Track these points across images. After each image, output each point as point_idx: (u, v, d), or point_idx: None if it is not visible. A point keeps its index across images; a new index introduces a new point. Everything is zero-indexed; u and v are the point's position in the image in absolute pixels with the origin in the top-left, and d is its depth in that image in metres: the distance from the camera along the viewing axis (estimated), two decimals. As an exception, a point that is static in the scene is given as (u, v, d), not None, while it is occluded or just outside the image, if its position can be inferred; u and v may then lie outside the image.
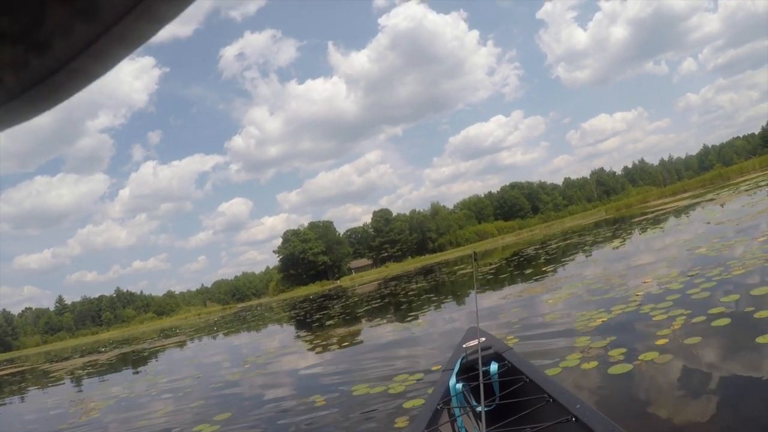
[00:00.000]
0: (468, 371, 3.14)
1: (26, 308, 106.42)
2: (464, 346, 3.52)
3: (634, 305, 5.83)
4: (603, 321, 5.47)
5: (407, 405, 4.45)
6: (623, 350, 4.25)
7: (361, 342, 9.21)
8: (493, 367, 2.98)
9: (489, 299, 10.31)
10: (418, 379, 5.25)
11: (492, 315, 7.96)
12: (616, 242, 16.16)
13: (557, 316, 6.53)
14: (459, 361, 3.20)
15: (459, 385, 2.88)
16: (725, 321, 4.27)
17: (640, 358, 3.93)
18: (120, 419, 6.89)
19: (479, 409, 2.32)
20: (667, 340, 4.17)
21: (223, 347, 16.08)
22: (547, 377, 2.71)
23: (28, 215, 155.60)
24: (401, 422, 4.03)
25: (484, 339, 3.45)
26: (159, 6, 0.23)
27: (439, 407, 2.68)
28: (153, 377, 10.77)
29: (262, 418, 5.24)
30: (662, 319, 4.86)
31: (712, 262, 7.13)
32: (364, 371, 6.40)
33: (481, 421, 2.20)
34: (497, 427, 2.23)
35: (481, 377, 2.63)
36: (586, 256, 14.18)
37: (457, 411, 2.80)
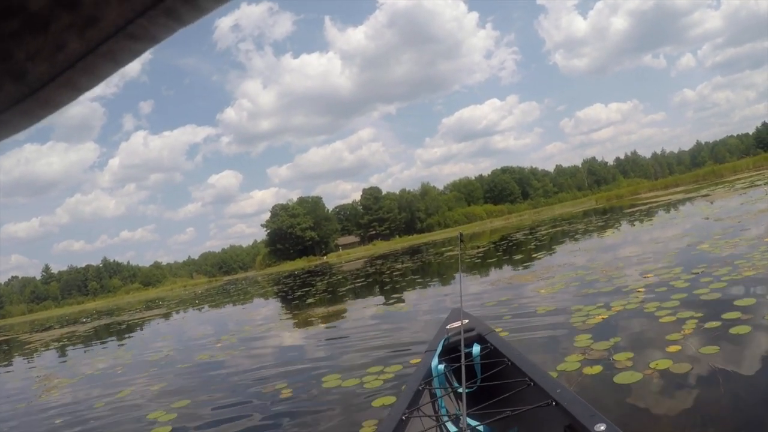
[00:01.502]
0: (450, 352, 3.12)
1: (12, 277, 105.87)
2: (447, 327, 3.48)
3: (636, 302, 5.36)
4: (603, 318, 4.99)
5: (376, 403, 4.00)
6: (630, 355, 3.77)
7: (340, 324, 8.72)
8: (476, 349, 2.98)
9: (476, 285, 9.86)
10: (396, 372, 4.77)
11: (479, 303, 7.50)
12: (610, 232, 15.76)
13: (551, 308, 6.06)
14: (442, 342, 3.18)
15: (441, 366, 2.88)
16: (745, 329, 3.79)
17: (651, 366, 3.45)
18: (77, 400, 6.41)
19: (461, 390, 2.33)
20: (679, 347, 3.69)
21: (201, 322, 15.63)
22: (528, 361, 2.68)
23: (17, 183, 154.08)
24: (368, 426, 3.55)
25: (467, 321, 3.43)
26: (79, 78, 0.26)
27: (420, 388, 2.69)
28: (124, 353, 10.36)
29: (217, 410, 4.74)
30: (670, 322, 4.39)
31: (718, 260, 6.68)
32: (338, 358, 5.93)
33: (462, 403, 2.19)
34: (478, 409, 2.28)
35: (462, 359, 2.61)
36: (578, 245, 13.73)
37: (438, 392, 2.80)
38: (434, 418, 2.63)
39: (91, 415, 5.48)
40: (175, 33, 0.26)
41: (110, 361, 9.39)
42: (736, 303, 4.49)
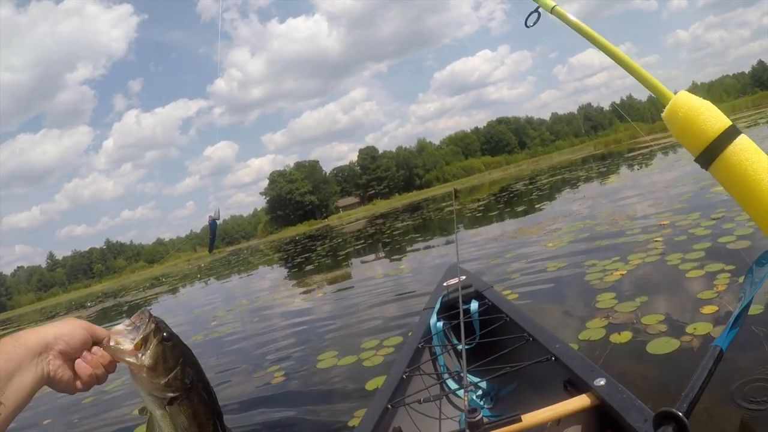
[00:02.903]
0: (449, 309, 3.09)
1: (18, 267, 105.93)
2: (445, 284, 3.44)
3: (655, 254, 4.91)
4: (621, 274, 4.55)
5: (370, 386, 3.65)
6: (660, 317, 3.34)
7: (337, 294, 8.31)
8: (474, 305, 2.96)
9: (479, 241, 9.42)
10: (396, 346, 4.38)
11: (484, 262, 7.08)
12: (613, 178, 15.27)
13: (562, 265, 5.63)
14: (440, 299, 3.17)
15: (440, 324, 2.88)
16: (789, 281, 3.35)
17: (688, 331, 3.02)
18: (65, 400, 6.02)
19: (460, 347, 2.30)
20: (716, 308, 3.25)
21: (201, 297, 15.31)
22: (526, 316, 2.64)
23: (14, 174, 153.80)
24: (359, 415, 3.17)
25: (464, 277, 3.38)
26: None
27: (420, 346, 2.68)
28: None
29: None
30: (699, 276, 3.95)
31: (737, 204, 6.20)
32: (334, 333, 5.54)
33: (461, 360, 2.18)
34: (477, 366, 2.34)
35: (461, 316, 2.57)
36: (582, 193, 13.23)
37: (438, 349, 2.80)
38: (435, 375, 2.63)
39: (78, 414, 5.18)
40: None
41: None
42: (770, 251, 4.03)
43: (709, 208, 6.39)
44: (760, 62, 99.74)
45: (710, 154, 1.51)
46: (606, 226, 7.09)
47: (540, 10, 2.22)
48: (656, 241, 5.40)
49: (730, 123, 1.50)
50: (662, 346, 2.92)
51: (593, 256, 5.52)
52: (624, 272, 4.59)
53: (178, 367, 0.95)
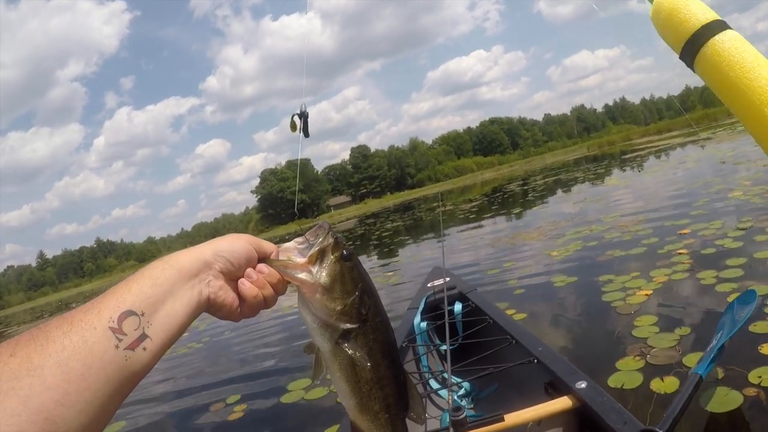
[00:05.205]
0: (432, 310, 3.10)
1: (8, 266, 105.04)
2: (429, 285, 3.43)
3: (683, 270, 4.24)
4: (647, 295, 3.87)
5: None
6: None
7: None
8: (457, 306, 2.95)
9: (473, 247, 8.79)
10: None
11: (478, 272, 6.43)
12: (614, 180, 14.63)
13: (572, 279, 4.96)
14: (424, 299, 3.15)
15: (423, 324, 2.88)
16: None
17: (751, 380, 2.35)
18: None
19: (443, 347, 2.36)
20: (781, 345, 2.60)
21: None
22: (510, 319, 2.69)
23: (4, 172, 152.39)
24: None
25: (448, 279, 3.36)
26: None
27: (404, 345, 2.67)
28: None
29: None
30: (745, 299, 3.29)
31: (764, 210, 5.58)
32: (307, 360, 4.85)
33: (445, 360, 2.19)
34: (460, 366, 2.32)
35: (446, 317, 2.54)
36: (583, 195, 12.55)
37: (421, 349, 2.80)
38: (417, 375, 2.62)
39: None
40: None
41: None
42: (827, 270, 3.39)
43: (731, 215, 5.77)
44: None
45: (693, 46, 1.32)
46: (616, 233, 6.44)
47: None
48: (680, 253, 4.73)
49: (718, 17, 1.34)
50: (721, 401, 2.25)
51: (608, 270, 4.85)
52: (649, 292, 3.91)
53: (356, 292, 0.77)
